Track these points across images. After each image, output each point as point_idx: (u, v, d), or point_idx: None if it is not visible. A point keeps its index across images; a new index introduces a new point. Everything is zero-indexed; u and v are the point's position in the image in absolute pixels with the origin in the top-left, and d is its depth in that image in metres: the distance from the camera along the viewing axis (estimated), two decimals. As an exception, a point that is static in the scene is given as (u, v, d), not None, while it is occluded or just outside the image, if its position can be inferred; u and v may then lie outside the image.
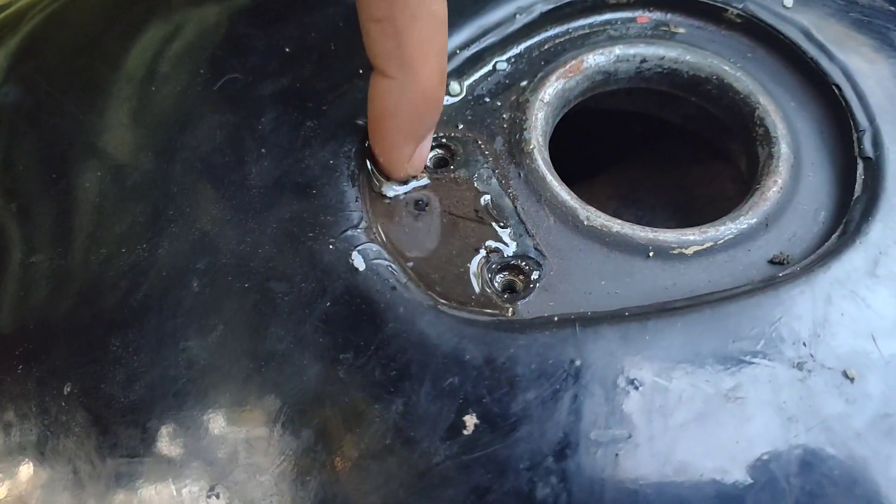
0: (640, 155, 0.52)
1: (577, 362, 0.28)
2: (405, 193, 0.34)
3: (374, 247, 0.32)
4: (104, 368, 0.30)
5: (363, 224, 0.32)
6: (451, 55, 0.37)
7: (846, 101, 0.36)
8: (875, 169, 0.34)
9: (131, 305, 0.31)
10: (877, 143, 0.34)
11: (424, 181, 0.34)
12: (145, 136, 0.35)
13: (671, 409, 0.28)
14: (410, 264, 0.32)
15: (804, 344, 0.29)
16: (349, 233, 0.32)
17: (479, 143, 0.36)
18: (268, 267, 0.31)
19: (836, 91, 0.36)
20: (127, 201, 0.34)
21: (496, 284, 0.32)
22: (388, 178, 0.34)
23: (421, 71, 0.30)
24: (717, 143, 0.45)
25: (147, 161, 0.35)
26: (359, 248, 0.31)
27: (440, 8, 0.29)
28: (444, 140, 0.36)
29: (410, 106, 0.31)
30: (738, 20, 0.39)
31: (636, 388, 0.28)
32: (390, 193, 0.34)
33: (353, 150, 0.33)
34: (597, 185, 0.51)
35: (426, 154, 0.34)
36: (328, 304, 0.30)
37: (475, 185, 0.35)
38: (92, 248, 0.33)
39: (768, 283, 0.31)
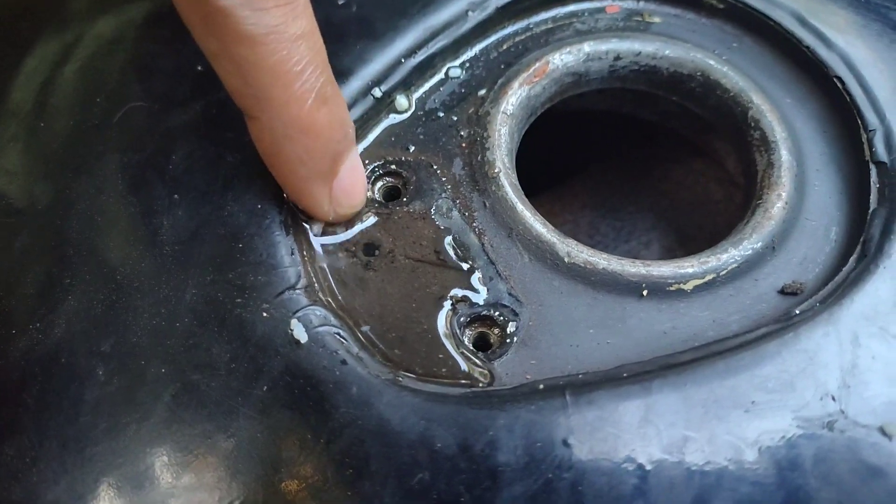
0: (613, 156, 0.47)
1: (572, 442, 0.24)
2: (350, 238, 0.28)
3: (319, 310, 0.26)
4: (-4, 484, 0.25)
5: (302, 282, 0.27)
6: (396, 64, 0.32)
7: (851, 96, 0.31)
8: (891, 175, 0.29)
9: (26, 403, 0.26)
10: (890, 144, 0.30)
11: (370, 220, 0.29)
12: (34, 186, 0.29)
13: (686, 491, 0.23)
14: (364, 328, 0.27)
15: (832, 398, 0.25)
16: (286, 295, 0.26)
17: (435, 167, 0.31)
18: (188, 345, 0.25)
19: (839, 84, 0.31)
20: (14, 269, 0.28)
21: (466, 341, 0.27)
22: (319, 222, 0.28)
23: (283, 103, 0.24)
24: (699, 142, 0.40)
25: (37, 216, 0.29)
26: (299, 313, 0.26)
27: (288, 21, 0.23)
28: (392, 167, 0.31)
29: (290, 144, 0.25)
30: (721, 5, 0.34)
31: (644, 469, 0.23)
32: (335, 240, 0.28)
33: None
34: (567, 192, 0.46)
35: (354, 185, 0.28)
36: (265, 388, 0.25)
37: (434, 219, 0.30)
38: (-27, 329, 0.27)
39: (785, 325, 0.26)
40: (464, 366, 0.26)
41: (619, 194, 0.45)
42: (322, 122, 0.25)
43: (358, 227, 0.29)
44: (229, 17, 0.22)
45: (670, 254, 0.43)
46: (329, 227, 0.28)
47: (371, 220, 0.29)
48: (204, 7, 0.22)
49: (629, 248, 0.43)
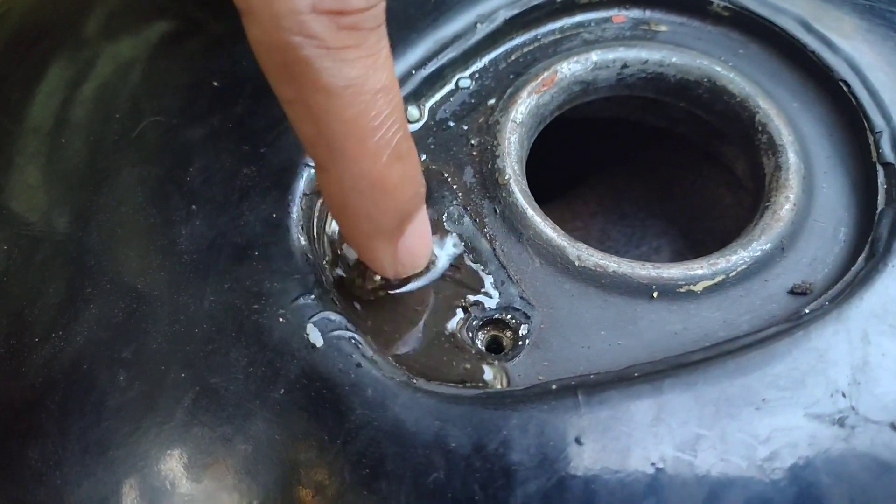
0: (622, 162, 0.47)
1: (584, 441, 0.24)
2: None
3: (333, 315, 0.27)
4: (22, 488, 0.26)
5: (318, 289, 0.27)
6: (407, 76, 0.32)
7: (857, 100, 0.31)
8: (898, 175, 0.29)
9: (48, 409, 0.26)
10: (897, 145, 0.30)
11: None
12: (56, 199, 0.30)
13: (698, 489, 0.24)
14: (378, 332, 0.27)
15: (843, 395, 0.25)
16: (302, 301, 0.27)
17: (446, 175, 0.31)
18: (207, 351, 0.26)
19: (845, 88, 0.32)
20: (36, 279, 0.29)
21: (479, 344, 0.28)
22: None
23: (356, 157, 0.23)
24: (707, 147, 0.40)
25: (58, 228, 0.29)
26: (314, 318, 0.26)
27: (369, 74, 0.22)
28: (405, 175, 0.31)
29: (358, 199, 0.24)
30: (726, 13, 0.35)
31: (656, 467, 0.24)
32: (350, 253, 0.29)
33: (299, 198, 0.29)
34: (578, 199, 0.47)
35: (419, 246, 0.26)
36: (282, 391, 0.25)
37: (445, 226, 0.30)
38: (-2, 339, 0.28)
39: (795, 323, 0.26)
40: (477, 368, 0.27)
41: (629, 200, 0.46)
42: (394, 179, 0.24)
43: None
44: (309, 67, 0.21)
45: (681, 258, 0.43)
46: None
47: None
48: (284, 54, 0.21)
49: (640, 254, 0.44)
